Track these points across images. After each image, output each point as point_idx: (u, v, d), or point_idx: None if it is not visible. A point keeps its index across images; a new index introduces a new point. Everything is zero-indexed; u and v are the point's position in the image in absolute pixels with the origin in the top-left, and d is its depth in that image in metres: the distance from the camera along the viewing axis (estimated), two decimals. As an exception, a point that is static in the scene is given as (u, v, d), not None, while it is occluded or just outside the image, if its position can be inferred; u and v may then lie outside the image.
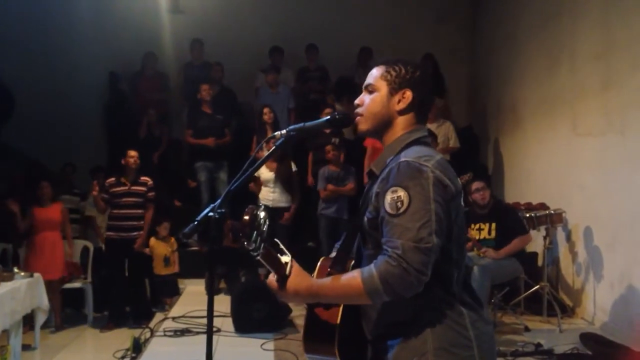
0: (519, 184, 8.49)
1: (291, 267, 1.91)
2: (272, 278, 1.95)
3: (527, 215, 6.51)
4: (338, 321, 1.98)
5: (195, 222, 1.77)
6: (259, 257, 1.80)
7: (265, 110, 8.04)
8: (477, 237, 6.08)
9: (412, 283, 1.77)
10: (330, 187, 7.26)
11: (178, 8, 9.71)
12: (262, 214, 1.78)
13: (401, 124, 2.04)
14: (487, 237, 6.05)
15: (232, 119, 8.82)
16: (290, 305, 6.11)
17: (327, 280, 1.93)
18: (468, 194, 6.13)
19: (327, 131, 7.66)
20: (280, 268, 1.89)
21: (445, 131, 7.95)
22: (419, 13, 10.20)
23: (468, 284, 2.01)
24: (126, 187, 6.82)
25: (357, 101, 2.10)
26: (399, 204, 1.82)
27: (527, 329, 6.19)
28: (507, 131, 8.95)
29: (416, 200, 1.81)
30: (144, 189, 6.88)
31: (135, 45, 9.28)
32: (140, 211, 6.88)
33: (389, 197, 1.85)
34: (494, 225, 6.04)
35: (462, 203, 1.98)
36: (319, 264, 2.13)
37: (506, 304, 6.62)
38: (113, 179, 6.89)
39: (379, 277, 1.78)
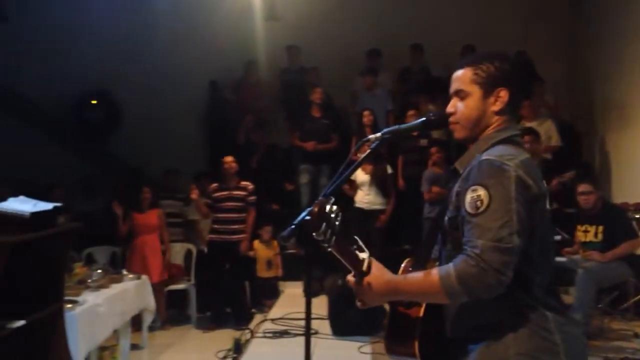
0: (627, 183, 8.08)
1: (369, 263, 1.90)
2: (351, 276, 1.94)
3: (638, 216, 6.20)
4: (421, 314, 1.96)
5: (293, 226, 1.79)
6: (329, 249, 1.80)
7: (365, 113, 8.07)
8: (582, 240, 5.84)
9: (490, 284, 1.73)
10: (435, 189, 7.14)
11: (274, 15, 9.87)
12: (333, 207, 1.78)
13: (495, 123, 1.98)
14: (593, 239, 5.80)
15: (337, 123, 8.86)
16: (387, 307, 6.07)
17: (405, 277, 1.92)
18: (575, 194, 5.92)
19: (415, 134, 7.57)
20: (357, 264, 1.88)
21: (546, 129, 7.69)
22: (514, 8, 9.89)
23: (553, 288, 1.94)
24: (227, 192, 7.02)
25: (450, 109, 2.04)
26: (478, 203, 1.79)
27: (637, 336, 5.90)
28: (615, 128, 8.55)
29: (496, 200, 1.77)
30: (244, 193, 7.06)
31: (232, 53, 9.53)
32: (242, 215, 7.07)
33: (469, 196, 1.82)
34: (601, 228, 5.78)
35: (548, 205, 1.91)
36: (403, 265, 2.12)
37: (614, 309, 6.31)
38: (216, 184, 7.13)
39: (456, 276, 1.75)
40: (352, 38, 9.63)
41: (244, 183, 7.12)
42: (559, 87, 9.88)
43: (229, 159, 7.09)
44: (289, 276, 7.98)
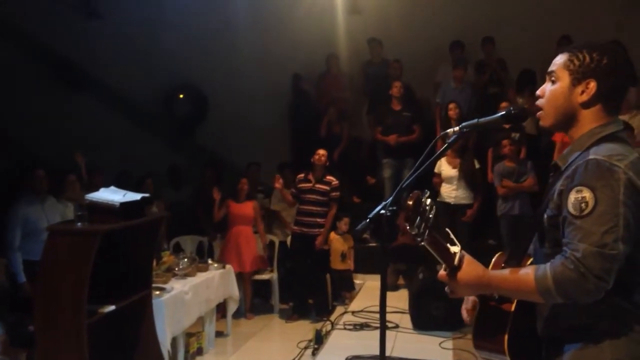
0: None
1: (461, 257, 1.88)
2: (443, 271, 1.92)
3: None
4: (512, 309, 1.94)
5: (367, 220, 1.80)
6: (423, 243, 1.78)
7: (451, 106, 7.94)
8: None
9: (588, 289, 1.68)
10: (506, 183, 7.00)
11: (356, 9, 9.86)
12: (427, 201, 1.75)
13: (588, 117, 1.90)
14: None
15: (419, 115, 8.79)
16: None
17: (499, 272, 1.89)
18: None
19: (507, 126, 7.36)
20: (448, 258, 1.87)
21: (638, 123, 7.32)
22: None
23: None
24: (311, 184, 7.07)
25: (538, 92, 2.00)
26: (583, 204, 1.72)
27: None
28: None
29: (603, 203, 1.70)
30: (327, 187, 7.04)
31: (315, 47, 9.56)
32: (322, 209, 7.05)
33: (572, 196, 1.75)
34: None
35: None
36: (494, 259, 2.10)
37: None
38: (302, 174, 7.19)
39: (552, 278, 1.71)
40: (434, 30, 9.46)
41: (329, 178, 7.10)
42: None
43: (322, 151, 7.12)
44: (368, 269, 7.97)
